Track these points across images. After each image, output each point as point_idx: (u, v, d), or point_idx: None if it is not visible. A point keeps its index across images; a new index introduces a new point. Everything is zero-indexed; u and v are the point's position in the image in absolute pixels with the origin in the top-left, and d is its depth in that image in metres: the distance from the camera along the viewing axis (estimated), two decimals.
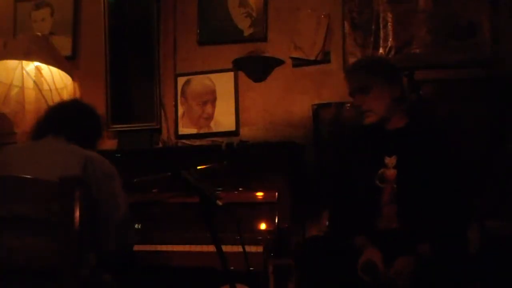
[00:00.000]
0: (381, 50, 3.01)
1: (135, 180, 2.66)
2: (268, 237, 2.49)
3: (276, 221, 2.56)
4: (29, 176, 1.77)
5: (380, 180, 2.10)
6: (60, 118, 2.08)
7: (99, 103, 3.28)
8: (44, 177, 1.74)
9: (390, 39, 3.02)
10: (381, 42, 3.03)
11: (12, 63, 3.17)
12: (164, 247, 2.51)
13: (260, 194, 2.65)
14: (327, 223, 2.71)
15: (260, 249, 2.39)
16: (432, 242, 1.94)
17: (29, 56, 3.03)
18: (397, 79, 2.19)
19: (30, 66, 3.19)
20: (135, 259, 2.44)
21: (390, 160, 2.10)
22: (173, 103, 3.35)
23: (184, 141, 3.28)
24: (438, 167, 2.03)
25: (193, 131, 3.30)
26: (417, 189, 2.03)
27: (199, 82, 3.31)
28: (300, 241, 2.63)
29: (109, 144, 3.37)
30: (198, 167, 2.48)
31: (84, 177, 1.84)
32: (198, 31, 3.33)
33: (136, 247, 2.45)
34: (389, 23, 3.02)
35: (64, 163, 1.87)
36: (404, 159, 2.08)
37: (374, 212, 2.09)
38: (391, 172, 2.09)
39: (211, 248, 1.92)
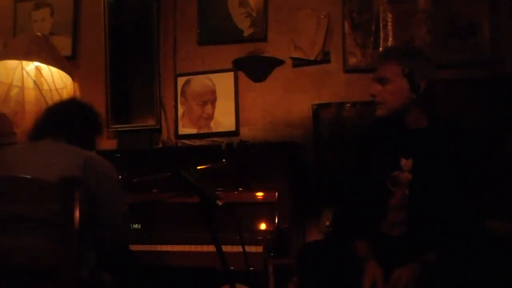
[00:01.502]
0: (381, 50, 3.01)
1: (135, 180, 2.66)
2: (268, 237, 2.49)
3: (276, 221, 2.56)
4: (29, 176, 1.77)
5: (392, 183, 2.01)
6: (58, 119, 2.07)
7: (99, 103, 3.28)
8: (44, 178, 1.74)
9: (390, 39, 3.01)
10: (381, 42, 3.02)
11: (12, 63, 3.17)
12: (164, 247, 2.51)
13: (260, 194, 2.65)
14: (327, 223, 2.70)
15: (260, 249, 2.39)
16: (439, 251, 1.88)
17: (29, 56, 3.02)
18: (424, 79, 2.02)
19: (30, 66, 3.19)
20: (135, 259, 2.44)
21: (406, 163, 2.00)
22: (173, 103, 3.35)
23: (184, 141, 3.28)
24: (455, 175, 1.95)
25: (193, 131, 3.30)
26: (429, 196, 1.95)
27: (199, 82, 3.31)
28: (301, 246, 2.62)
29: (109, 144, 3.37)
30: (198, 167, 2.48)
31: (84, 178, 1.84)
32: (198, 31, 3.33)
33: (136, 247, 2.46)
34: (389, 23, 3.02)
35: (64, 164, 1.87)
36: (421, 163, 1.99)
37: (379, 216, 2.02)
38: (405, 176, 2.00)
39: (211, 248, 1.91)
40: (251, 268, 2.25)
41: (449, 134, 2.05)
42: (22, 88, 3.20)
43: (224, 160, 2.62)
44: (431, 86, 2.05)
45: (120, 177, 2.12)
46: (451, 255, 1.88)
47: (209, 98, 3.29)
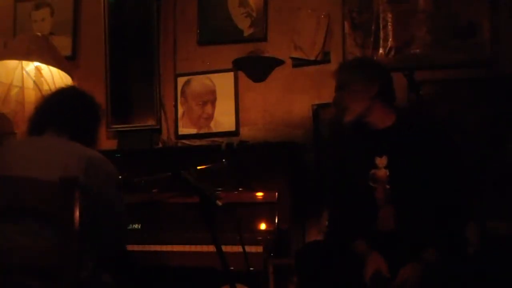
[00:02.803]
0: (381, 50, 3.01)
1: (135, 180, 2.65)
2: (268, 237, 2.49)
3: (276, 221, 2.56)
4: (29, 176, 1.76)
5: (372, 180, 2.09)
6: (59, 111, 2.02)
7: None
8: (45, 176, 1.73)
9: (390, 39, 3.01)
10: (381, 42, 3.03)
11: (12, 63, 3.16)
12: (164, 247, 2.51)
13: (260, 194, 2.65)
14: (327, 223, 2.71)
15: (260, 249, 2.39)
16: (434, 245, 1.92)
17: (29, 56, 3.02)
18: (376, 78, 2.14)
19: (30, 66, 3.19)
20: (135, 259, 2.44)
21: (381, 161, 2.09)
22: (173, 103, 3.35)
23: (184, 141, 3.28)
24: (431, 165, 2.01)
25: (193, 131, 3.30)
26: (411, 189, 2.01)
27: (199, 82, 3.31)
28: (300, 246, 2.62)
29: (109, 144, 3.37)
30: (198, 167, 2.48)
31: (85, 178, 1.83)
32: (198, 31, 3.33)
33: (136, 247, 2.46)
34: (389, 23, 3.02)
35: (66, 163, 1.86)
36: (395, 159, 2.07)
37: (370, 213, 2.07)
38: (382, 173, 2.07)
39: (211, 248, 1.91)
40: (251, 268, 2.25)
41: (417, 127, 2.13)
42: (22, 88, 3.19)
43: (224, 160, 2.62)
44: (387, 86, 2.17)
45: (120, 177, 2.11)
46: (444, 248, 1.91)
47: (209, 98, 3.29)
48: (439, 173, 2.01)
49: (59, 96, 2.13)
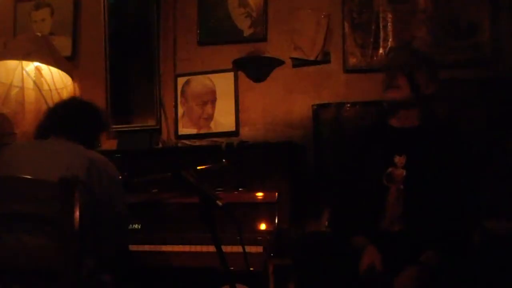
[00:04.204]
0: (381, 50, 3.02)
1: (135, 180, 2.66)
2: (268, 237, 2.48)
3: (276, 221, 2.56)
4: (29, 177, 1.77)
5: (387, 179, 2.07)
6: (61, 118, 2.08)
7: (99, 104, 3.24)
8: (48, 177, 1.74)
9: (390, 39, 3.02)
10: (381, 42, 3.03)
11: (12, 63, 3.16)
12: (164, 247, 2.50)
13: (260, 194, 2.64)
14: (327, 223, 2.71)
15: (260, 249, 2.39)
16: (436, 248, 1.91)
17: (29, 56, 3.02)
18: (436, 83, 2.15)
19: (30, 66, 3.19)
20: (135, 259, 2.44)
21: (400, 160, 2.07)
22: (173, 103, 3.35)
23: (184, 141, 3.27)
24: (447, 171, 2.00)
25: (193, 131, 3.30)
26: (424, 191, 2.00)
27: (199, 82, 3.31)
28: (300, 237, 2.62)
29: (109, 144, 3.36)
30: (198, 167, 2.48)
31: (88, 179, 1.84)
32: (198, 31, 3.33)
33: (136, 247, 2.46)
34: (389, 23, 3.02)
35: (68, 164, 1.87)
36: (414, 159, 2.05)
37: (377, 212, 2.06)
38: (399, 172, 2.06)
39: (211, 248, 1.91)
40: (251, 268, 2.25)
41: (441, 132, 2.13)
42: (22, 88, 3.19)
43: (224, 160, 2.62)
44: (434, 99, 2.17)
45: (120, 177, 2.12)
46: (449, 252, 1.90)
47: (209, 98, 3.29)
48: (453, 180, 2.00)
49: (63, 104, 2.21)
